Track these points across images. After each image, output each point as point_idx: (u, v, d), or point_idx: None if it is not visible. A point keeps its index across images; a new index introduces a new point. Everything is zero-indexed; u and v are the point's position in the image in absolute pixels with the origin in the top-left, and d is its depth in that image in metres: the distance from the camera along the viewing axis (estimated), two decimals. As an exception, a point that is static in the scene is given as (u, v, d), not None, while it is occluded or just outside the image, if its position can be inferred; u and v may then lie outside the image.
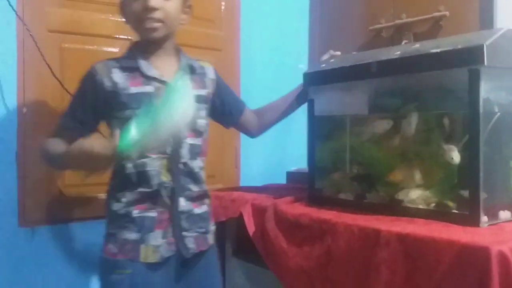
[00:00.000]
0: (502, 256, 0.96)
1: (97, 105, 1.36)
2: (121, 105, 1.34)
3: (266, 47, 2.38)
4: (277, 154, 2.36)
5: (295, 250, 1.40)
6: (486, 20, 1.44)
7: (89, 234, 1.77)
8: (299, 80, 1.62)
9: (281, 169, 2.26)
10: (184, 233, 1.38)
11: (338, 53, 1.66)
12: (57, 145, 1.33)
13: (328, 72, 1.53)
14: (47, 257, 1.72)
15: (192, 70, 1.45)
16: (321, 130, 1.60)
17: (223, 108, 1.57)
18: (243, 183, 2.26)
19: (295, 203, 1.56)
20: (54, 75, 1.68)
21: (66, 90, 1.70)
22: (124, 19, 1.42)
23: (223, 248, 1.80)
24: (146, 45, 1.40)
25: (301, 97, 1.65)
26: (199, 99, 1.43)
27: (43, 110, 1.69)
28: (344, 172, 1.57)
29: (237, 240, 1.64)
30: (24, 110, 1.65)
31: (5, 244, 1.64)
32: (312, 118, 1.60)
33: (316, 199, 1.56)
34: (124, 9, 1.40)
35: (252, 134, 1.69)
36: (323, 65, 1.58)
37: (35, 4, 1.68)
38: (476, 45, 1.13)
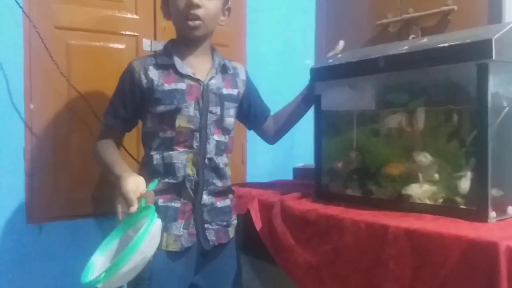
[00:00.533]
0: (511, 252, 0.95)
1: (136, 101, 1.42)
2: (155, 101, 1.39)
3: (273, 42, 2.37)
4: (283, 150, 2.35)
5: (303, 246, 1.40)
6: (495, 14, 1.43)
7: (96, 230, 1.78)
8: (306, 76, 1.61)
9: (287, 165, 2.25)
10: (206, 225, 1.43)
11: (341, 42, 1.65)
12: (103, 151, 1.41)
13: (335, 68, 1.52)
14: (55, 253, 1.73)
15: (224, 70, 1.50)
16: (328, 125, 1.59)
17: (249, 111, 1.61)
18: (249, 179, 2.26)
19: (302, 199, 1.56)
20: (60, 72, 1.69)
21: (73, 87, 1.71)
22: (165, 15, 1.47)
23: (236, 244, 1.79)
24: (183, 43, 1.45)
25: (309, 99, 1.65)
26: (229, 98, 1.47)
27: (50, 107, 1.70)
28: (350, 167, 1.56)
29: (244, 236, 1.64)
30: (31, 106, 1.66)
31: (13, 241, 1.65)
32: (319, 114, 1.59)
33: (323, 195, 1.56)
34: (167, 5, 1.44)
35: (269, 140, 1.72)
36: (330, 61, 1.57)
37: (41, 1, 1.68)
38: (484, 39, 1.12)
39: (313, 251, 1.37)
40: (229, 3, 1.50)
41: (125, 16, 1.84)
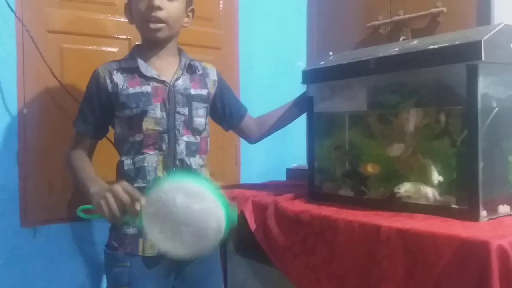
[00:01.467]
0: (502, 251, 0.97)
1: (104, 106, 1.42)
2: (121, 105, 1.39)
3: (265, 44, 2.38)
4: (277, 151, 2.36)
5: (299, 247, 1.41)
6: (484, 15, 1.44)
7: (91, 233, 1.78)
8: (298, 77, 1.63)
9: (281, 166, 2.27)
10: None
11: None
12: (77, 164, 1.40)
13: (327, 70, 1.54)
14: (50, 256, 1.73)
15: (192, 70, 1.49)
16: (320, 127, 1.61)
17: (224, 111, 1.60)
18: (243, 180, 2.27)
19: (296, 200, 1.57)
20: (54, 75, 1.69)
21: (66, 90, 1.71)
22: (129, 20, 1.47)
23: (225, 245, 1.81)
24: (147, 46, 1.45)
25: (303, 106, 1.66)
26: (198, 98, 1.46)
27: (43, 111, 1.69)
28: (343, 168, 1.58)
29: (238, 237, 1.65)
30: (25, 110, 1.66)
31: (8, 244, 1.65)
32: (312, 115, 1.61)
33: (316, 196, 1.57)
34: (129, 9, 1.44)
35: (251, 140, 1.72)
36: (322, 63, 1.59)
37: (34, 5, 1.68)
38: (473, 41, 1.14)
39: (308, 252, 1.38)
40: (193, 4, 1.50)
41: (118, 19, 1.84)
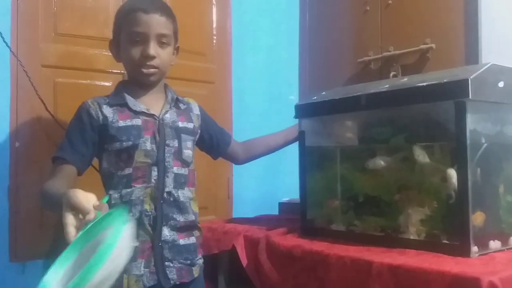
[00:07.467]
0: (493, 287, 0.97)
1: (93, 137, 1.40)
2: (111, 138, 1.38)
3: (258, 79, 2.41)
4: (269, 184, 2.36)
5: (290, 283, 1.40)
6: (472, 53, 1.47)
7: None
8: (290, 111, 1.64)
9: (273, 199, 2.26)
10: (167, 263, 1.39)
11: None
12: (49, 186, 1.28)
13: (319, 104, 1.55)
14: (39, 292, 1.70)
15: (177, 105, 1.52)
16: (312, 161, 1.61)
17: (211, 141, 1.65)
18: (236, 214, 2.26)
19: (288, 234, 1.57)
20: (47, 110, 1.70)
21: (59, 124, 1.71)
22: (114, 56, 1.49)
23: (216, 280, 1.79)
24: (136, 84, 1.47)
25: (294, 137, 1.70)
26: (186, 130, 1.49)
27: (36, 145, 1.70)
28: (335, 203, 1.58)
29: (230, 273, 1.64)
30: (17, 144, 1.66)
31: (-4, 279, 1.63)
32: (304, 149, 1.62)
33: (309, 230, 1.57)
34: (117, 49, 1.47)
35: (238, 162, 1.79)
36: (314, 98, 1.61)
37: (29, 40, 1.70)
38: (461, 79, 1.16)
39: (300, 287, 1.37)
40: (177, 42, 1.52)
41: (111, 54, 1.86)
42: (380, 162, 1.41)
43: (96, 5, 1.87)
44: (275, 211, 2.22)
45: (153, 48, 1.39)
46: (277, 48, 2.49)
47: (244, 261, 1.57)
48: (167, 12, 1.45)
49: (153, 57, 1.40)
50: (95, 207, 1.04)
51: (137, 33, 1.39)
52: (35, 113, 1.69)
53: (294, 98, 2.40)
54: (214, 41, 2.28)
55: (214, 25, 2.29)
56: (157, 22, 1.40)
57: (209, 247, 1.67)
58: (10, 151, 1.65)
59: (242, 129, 2.17)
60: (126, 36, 1.42)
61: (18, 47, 1.67)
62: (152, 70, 1.42)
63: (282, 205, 2.22)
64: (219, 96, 2.25)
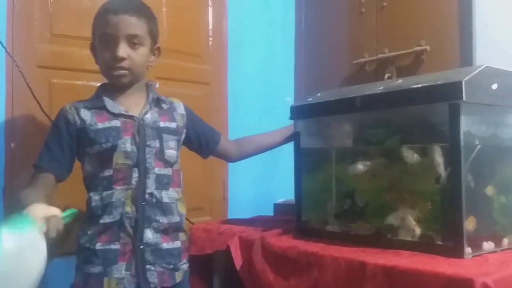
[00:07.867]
0: (486, 288, 0.97)
1: (72, 143, 1.40)
2: (90, 141, 1.38)
3: (253, 80, 2.41)
4: (265, 185, 2.37)
5: (283, 283, 1.40)
6: (466, 55, 1.48)
7: (58, 271, 1.72)
8: (286, 113, 1.65)
9: (268, 201, 2.27)
10: (148, 266, 1.38)
11: None
12: (25, 195, 1.28)
13: (314, 106, 1.56)
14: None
15: (159, 104, 1.50)
16: (307, 162, 1.62)
17: (199, 140, 1.61)
18: (231, 215, 2.26)
19: (283, 235, 1.57)
20: (42, 110, 1.70)
21: (55, 125, 1.71)
22: (95, 59, 1.47)
23: (211, 281, 1.79)
24: (114, 87, 1.45)
25: (289, 138, 1.69)
26: (167, 130, 1.47)
27: (31, 146, 1.69)
28: (330, 204, 1.58)
29: (224, 273, 1.64)
30: (12, 145, 1.65)
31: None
32: (299, 151, 1.62)
33: (304, 231, 1.57)
34: (95, 53, 1.46)
35: (230, 160, 1.77)
36: (310, 99, 1.61)
37: (24, 40, 1.70)
38: (455, 81, 1.17)
39: (293, 288, 1.37)
40: (158, 42, 1.50)
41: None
42: (360, 167, 1.42)
43: (92, 6, 1.86)
44: (271, 212, 2.23)
45: (122, 50, 1.37)
46: (273, 50, 2.50)
47: (238, 262, 1.57)
48: (140, 12, 1.42)
49: (122, 59, 1.37)
50: (46, 218, 1.05)
51: (107, 35, 1.38)
52: (30, 113, 1.69)
53: (289, 99, 2.41)
54: (210, 43, 2.28)
55: (210, 27, 2.29)
56: (126, 23, 1.37)
57: (204, 247, 1.68)
58: (5, 151, 1.65)
59: (237, 131, 2.17)
60: (98, 39, 1.41)
61: (14, 47, 1.66)
62: (122, 72, 1.39)
63: (277, 206, 2.22)
64: (214, 98, 2.26)
